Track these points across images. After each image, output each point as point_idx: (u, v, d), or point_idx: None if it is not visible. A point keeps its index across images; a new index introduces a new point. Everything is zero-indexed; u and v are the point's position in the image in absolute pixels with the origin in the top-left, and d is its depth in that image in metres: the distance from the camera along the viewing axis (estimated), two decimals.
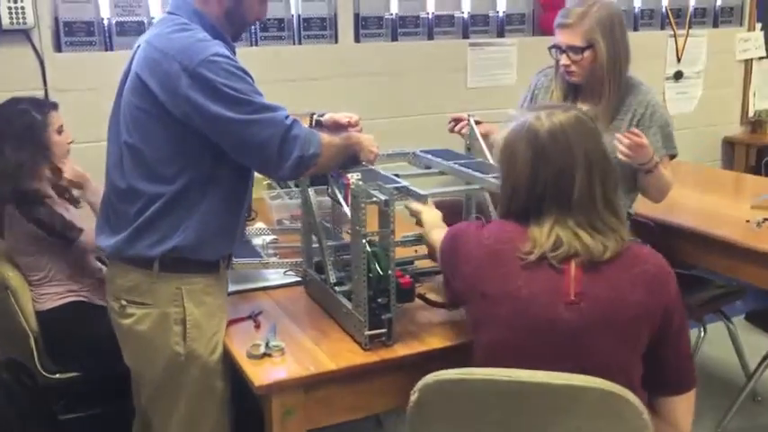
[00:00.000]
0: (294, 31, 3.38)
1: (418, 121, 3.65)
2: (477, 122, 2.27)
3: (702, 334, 3.05)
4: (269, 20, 3.29)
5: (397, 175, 1.97)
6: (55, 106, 2.46)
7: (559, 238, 1.45)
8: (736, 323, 3.16)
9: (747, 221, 2.72)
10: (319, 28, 3.42)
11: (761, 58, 4.58)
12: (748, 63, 4.56)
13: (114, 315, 1.82)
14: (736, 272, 2.66)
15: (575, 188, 1.45)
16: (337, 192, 1.91)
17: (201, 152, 1.72)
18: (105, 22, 3.03)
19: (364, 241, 1.70)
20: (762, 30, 4.54)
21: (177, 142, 1.71)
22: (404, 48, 3.59)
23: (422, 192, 1.74)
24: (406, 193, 1.79)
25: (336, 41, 3.46)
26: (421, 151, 2.23)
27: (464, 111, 3.71)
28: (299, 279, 2.20)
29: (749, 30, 4.52)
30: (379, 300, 1.74)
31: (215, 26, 1.78)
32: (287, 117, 1.71)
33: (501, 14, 3.81)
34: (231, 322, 1.90)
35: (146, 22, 3.12)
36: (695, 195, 3.22)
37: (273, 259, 2.30)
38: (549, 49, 2.46)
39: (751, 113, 4.62)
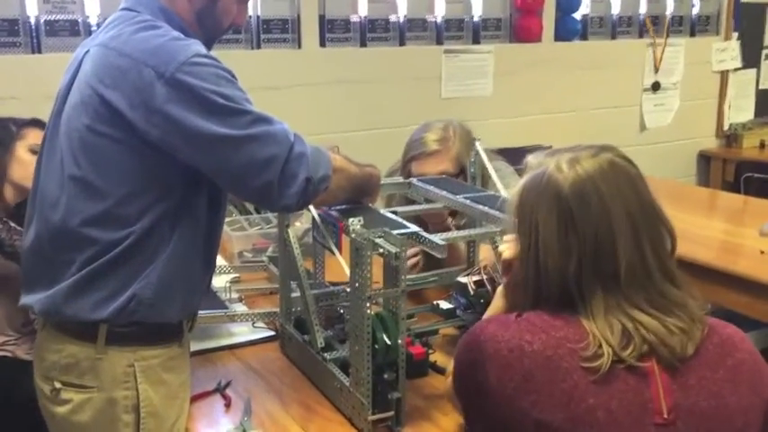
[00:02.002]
0: (252, 33, 3.01)
1: (388, 134, 3.31)
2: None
3: None
4: None
5: (395, 213, 1.63)
6: (36, 123, 2.06)
7: (626, 329, 1.08)
8: None
9: (762, 252, 2.47)
10: (281, 31, 3.05)
11: (736, 69, 4.40)
12: (724, 74, 4.38)
13: (45, 401, 1.41)
14: (752, 310, 2.41)
15: (620, 260, 1.09)
16: (326, 235, 1.56)
17: (174, 181, 1.35)
18: (32, 20, 2.60)
19: (369, 305, 1.35)
20: (738, 39, 4.36)
21: (147, 172, 1.33)
22: (373, 54, 3.26)
23: (439, 240, 1.40)
24: (417, 241, 1.44)
25: (300, 46, 3.10)
26: (418, 180, 1.89)
27: None
28: (271, 333, 1.84)
29: (725, 39, 4.33)
30: (386, 375, 1.39)
31: (184, 29, 1.42)
32: (287, 130, 1.37)
33: (477, 19, 3.51)
34: (194, 398, 1.53)
35: (80, 21, 2.70)
36: (697, 221, 2.97)
37: (241, 309, 1.93)
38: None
39: (726, 126, 4.45)
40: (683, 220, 2.90)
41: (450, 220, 2.03)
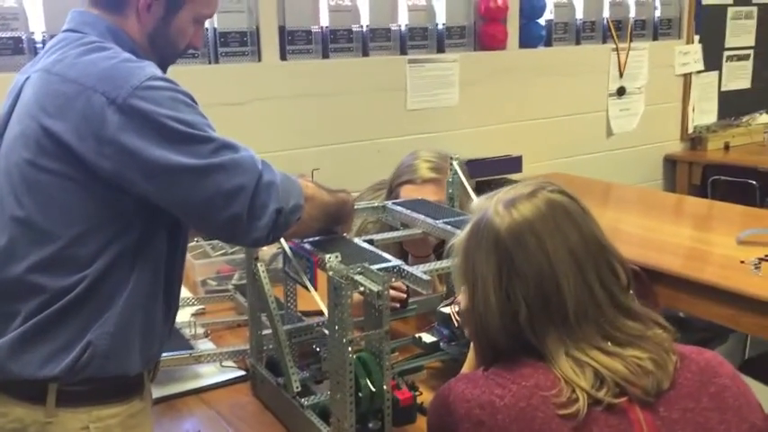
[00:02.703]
0: (209, 47, 2.86)
1: (353, 149, 3.20)
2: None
3: None
4: None
5: (371, 242, 1.52)
6: None
7: (595, 370, 1.02)
8: None
9: (742, 262, 2.42)
10: (239, 44, 2.92)
11: (699, 71, 4.39)
12: (687, 77, 4.36)
13: None
14: (737, 322, 2.35)
15: (567, 300, 1.04)
16: (299, 270, 1.44)
17: (131, 217, 1.22)
18: None
19: (350, 349, 1.23)
20: (700, 42, 4.35)
21: (100, 210, 1.20)
22: (336, 66, 3.14)
23: (423, 275, 1.29)
24: (399, 275, 1.33)
25: (259, 59, 2.96)
26: (393, 203, 1.78)
27: (403, 135, 3.37)
28: (241, 373, 1.71)
29: (687, 42, 4.32)
30: (371, 425, 1.28)
31: (135, 51, 1.29)
32: (254, 157, 1.25)
33: (441, 27, 3.41)
34: None
35: (24, 38, 2.53)
36: (664, 228, 2.92)
37: (207, 346, 1.80)
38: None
39: (690, 129, 4.43)
40: (650, 228, 2.91)
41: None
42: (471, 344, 1.25)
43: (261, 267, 1.53)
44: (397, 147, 3.28)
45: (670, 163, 4.37)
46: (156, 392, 1.63)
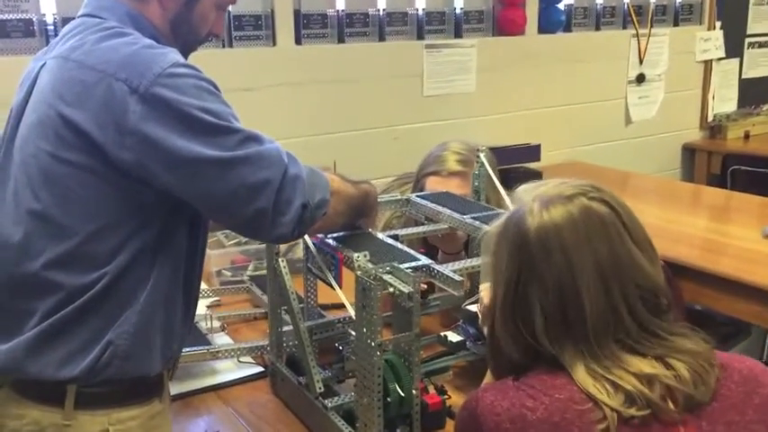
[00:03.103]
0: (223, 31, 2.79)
1: (369, 136, 3.14)
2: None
3: None
4: None
5: (395, 237, 1.47)
6: None
7: (620, 386, 0.96)
8: None
9: None
10: (253, 27, 2.85)
11: (720, 59, 4.30)
12: (708, 64, 4.27)
13: None
14: (763, 318, 2.29)
15: (587, 316, 0.98)
16: (324, 268, 1.38)
17: (152, 211, 1.17)
18: None
19: (379, 353, 1.18)
20: (721, 28, 4.25)
21: (121, 203, 1.15)
22: (352, 51, 3.06)
23: (454, 275, 1.24)
24: (429, 275, 1.28)
25: (274, 43, 2.89)
26: (417, 196, 1.72)
27: (420, 122, 3.31)
28: (259, 369, 1.66)
29: (709, 29, 4.22)
30: (399, 430, 1.23)
31: (156, 37, 1.23)
32: (280, 150, 1.19)
33: (458, 11, 3.33)
34: None
35: (35, 20, 2.46)
36: (681, 218, 2.85)
37: (224, 341, 1.75)
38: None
39: (710, 118, 4.34)
40: (669, 219, 2.83)
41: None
42: None
43: (282, 263, 1.48)
44: (414, 134, 3.22)
45: (689, 152, 4.29)
46: (173, 389, 1.58)
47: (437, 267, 1.26)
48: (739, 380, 1.02)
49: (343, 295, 1.32)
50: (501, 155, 3.26)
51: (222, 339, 1.80)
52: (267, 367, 1.63)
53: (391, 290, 1.20)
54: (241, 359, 1.70)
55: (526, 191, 1.06)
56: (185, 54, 1.31)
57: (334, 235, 1.40)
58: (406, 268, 1.22)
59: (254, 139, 1.16)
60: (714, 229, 2.82)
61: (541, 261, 0.99)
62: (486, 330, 1.14)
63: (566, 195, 1.02)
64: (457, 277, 1.23)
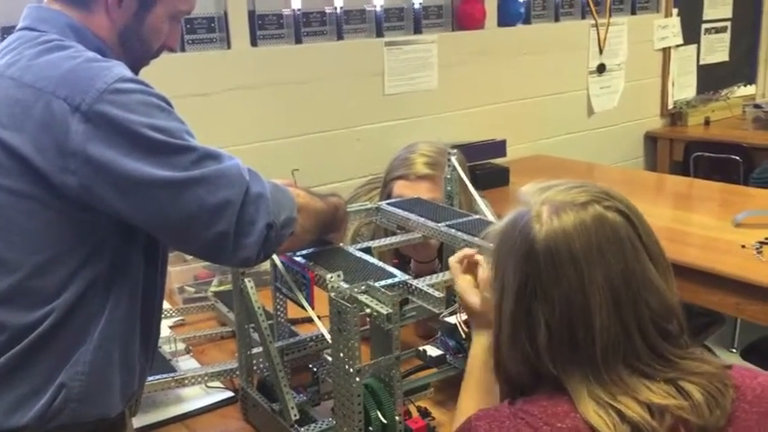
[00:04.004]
0: None
1: (330, 137, 3.05)
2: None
3: None
4: None
5: (368, 250, 1.39)
6: None
7: (627, 417, 0.88)
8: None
9: (743, 247, 2.33)
10: (206, 30, 2.74)
11: (678, 45, 4.30)
12: (666, 52, 4.27)
13: None
14: (742, 311, 2.26)
15: (596, 334, 0.90)
16: (293, 287, 1.30)
17: (103, 238, 1.08)
18: None
19: (358, 379, 1.10)
20: (678, 15, 4.25)
21: (68, 233, 1.06)
22: (310, 51, 2.97)
23: (435, 292, 1.16)
24: (407, 291, 1.20)
25: (229, 46, 2.78)
26: (387, 203, 1.64)
27: (382, 122, 3.23)
28: (229, 394, 1.57)
29: (666, 16, 4.22)
30: None
31: (102, 50, 1.13)
32: (240, 167, 1.11)
33: (417, 6, 3.26)
34: None
35: None
36: (645, 208, 2.81)
37: (191, 367, 1.65)
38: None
39: (671, 105, 4.35)
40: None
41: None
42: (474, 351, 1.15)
43: (249, 283, 1.39)
44: (376, 134, 3.15)
45: (651, 140, 4.29)
46: (136, 422, 1.49)
47: (415, 284, 1.19)
48: (753, 399, 0.95)
49: (316, 316, 1.24)
50: (466, 152, 3.18)
51: (188, 363, 1.70)
52: (237, 392, 1.54)
53: (368, 311, 1.12)
54: (209, 384, 1.60)
55: (532, 193, 0.97)
56: (136, 68, 1.22)
57: (303, 252, 1.32)
58: (382, 286, 1.14)
59: (211, 156, 1.08)
60: (678, 218, 2.79)
61: (548, 274, 0.90)
62: (492, 341, 1.03)
63: (579, 202, 0.93)
64: (438, 294, 1.15)
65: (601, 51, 3.95)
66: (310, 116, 2.98)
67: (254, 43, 2.84)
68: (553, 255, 0.90)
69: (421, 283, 1.19)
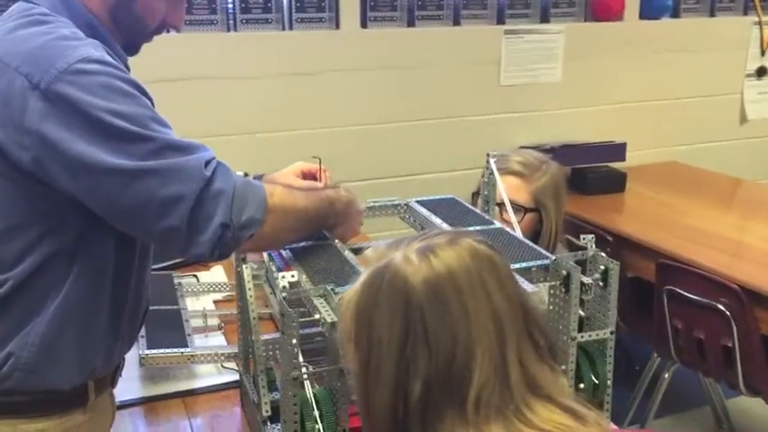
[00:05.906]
0: (283, 12, 2.70)
1: (437, 126, 2.96)
2: None
3: None
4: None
5: (359, 251, 1.31)
6: None
7: None
8: None
9: None
10: (316, 9, 2.74)
11: None
12: None
13: None
14: None
15: (474, 376, 0.79)
16: (272, 282, 1.25)
17: (66, 214, 1.09)
18: None
19: (294, 386, 1.04)
20: None
21: (29, 205, 1.08)
22: (422, 36, 2.89)
23: None
24: None
25: (337, 27, 2.77)
26: (417, 201, 1.55)
27: (495, 114, 3.09)
28: (236, 377, 1.56)
29: None
30: None
31: (94, 26, 1.14)
32: (208, 162, 1.07)
33: None
34: None
35: None
36: None
37: (214, 345, 1.66)
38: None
39: None
40: None
41: None
42: None
43: (247, 269, 1.36)
44: (487, 126, 3.02)
45: None
46: (142, 390, 1.53)
47: None
48: None
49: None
50: (580, 152, 3.01)
51: (215, 340, 1.72)
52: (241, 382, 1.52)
53: (317, 317, 1.05)
54: (225, 365, 1.60)
55: (381, 249, 0.88)
56: (136, 44, 1.22)
57: (293, 246, 1.27)
58: (338, 292, 1.07)
59: (173, 148, 1.05)
60: None
61: (433, 317, 0.80)
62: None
63: (446, 240, 0.85)
64: None
65: (763, 53, 3.53)
66: (416, 103, 2.90)
67: (363, 25, 2.81)
68: (437, 296, 0.80)
69: None
